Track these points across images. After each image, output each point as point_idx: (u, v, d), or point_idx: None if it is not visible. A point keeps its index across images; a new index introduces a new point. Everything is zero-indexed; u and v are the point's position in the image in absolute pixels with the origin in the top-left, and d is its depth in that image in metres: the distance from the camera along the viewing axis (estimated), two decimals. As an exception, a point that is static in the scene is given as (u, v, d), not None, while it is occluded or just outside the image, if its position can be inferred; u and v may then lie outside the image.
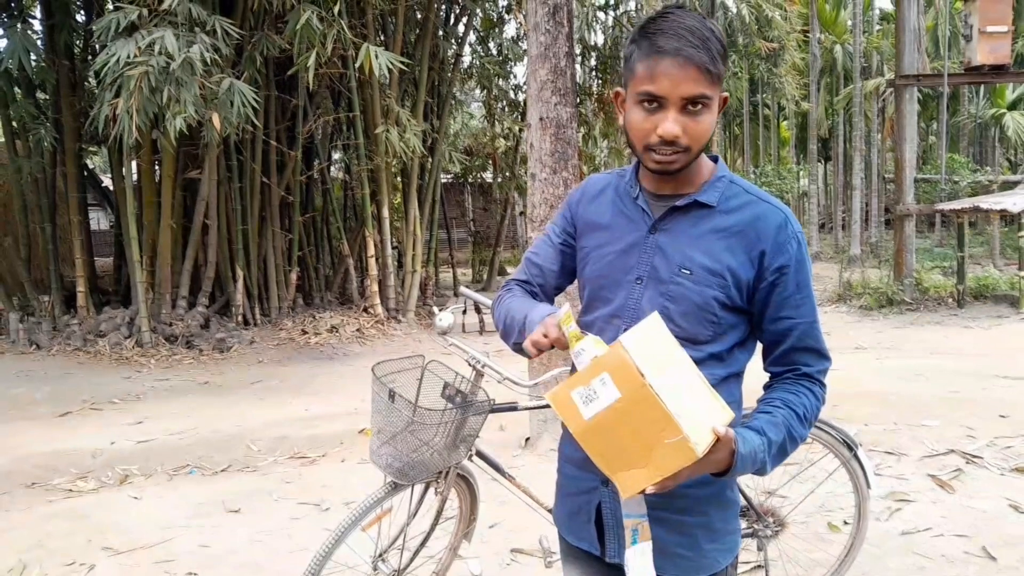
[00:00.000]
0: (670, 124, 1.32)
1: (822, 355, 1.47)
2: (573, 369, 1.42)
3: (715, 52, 1.30)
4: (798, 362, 1.45)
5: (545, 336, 1.36)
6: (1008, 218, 15.27)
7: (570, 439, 1.58)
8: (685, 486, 1.27)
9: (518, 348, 1.51)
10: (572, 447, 1.56)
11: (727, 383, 1.46)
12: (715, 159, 1.51)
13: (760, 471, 1.35)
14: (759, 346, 1.53)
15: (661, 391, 1.15)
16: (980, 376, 7.03)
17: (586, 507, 1.54)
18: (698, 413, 1.20)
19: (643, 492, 1.22)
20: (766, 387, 1.50)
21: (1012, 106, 24.93)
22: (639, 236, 1.48)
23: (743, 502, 2.76)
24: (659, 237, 1.46)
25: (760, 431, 1.34)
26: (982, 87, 24.94)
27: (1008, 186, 14.96)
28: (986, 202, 12.46)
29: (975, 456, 4.59)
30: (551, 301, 1.69)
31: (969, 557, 3.32)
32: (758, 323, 1.46)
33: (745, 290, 1.42)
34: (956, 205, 13.30)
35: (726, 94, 1.41)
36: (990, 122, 25.74)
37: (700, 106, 1.32)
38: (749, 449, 1.29)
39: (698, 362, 1.35)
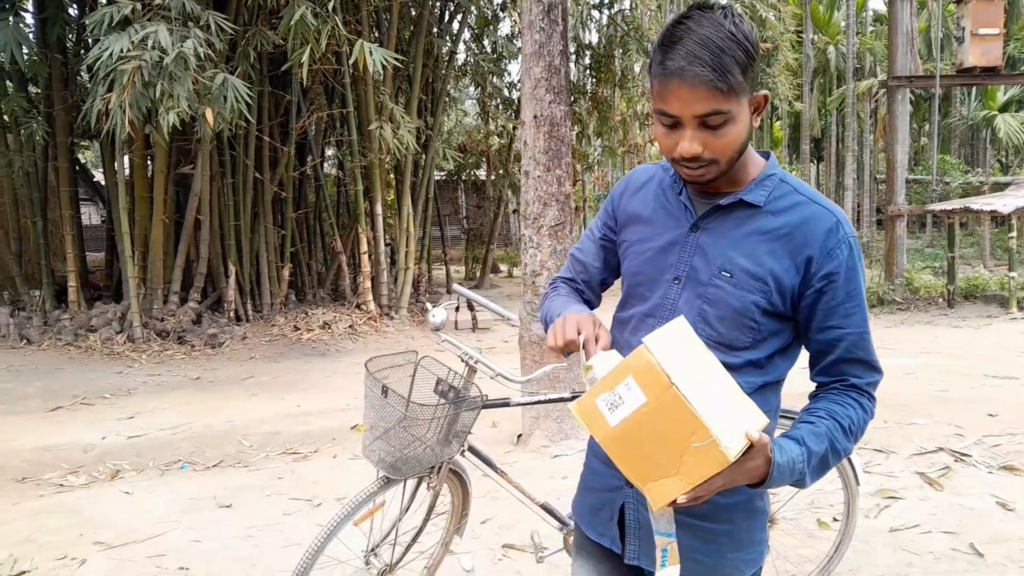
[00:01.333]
0: (687, 143, 1.28)
1: (873, 367, 1.39)
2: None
3: (729, 65, 1.22)
4: (847, 373, 1.38)
5: (557, 340, 1.37)
6: (998, 219, 15.36)
7: None
8: None
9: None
10: None
11: (764, 391, 1.40)
12: (767, 155, 1.44)
13: (799, 483, 1.29)
14: (803, 353, 1.47)
15: (688, 393, 1.11)
16: (969, 375, 7.08)
17: (610, 505, 1.50)
18: (729, 417, 1.15)
19: (675, 504, 1.17)
20: (812, 396, 1.43)
21: (1003, 108, 25.08)
22: (680, 234, 1.43)
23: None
24: (701, 236, 1.40)
25: (800, 440, 1.28)
26: (974, 89, 25.10)
27: (999, 187, 15.05)
28: (977, 203, 12.53)
29: (964, 454, 4.63)
30: (599, 297, 1.67)
31: (956, 554, 3.35)
32: (804, 331, 1.39)
33: (789, 297, 1.35)
34: (947, 206, 13.37)
35: (764, 92, 1.33)
36: (981, 124, 25.89)
37: (719, 121, 1.26)
38: (787, 459, 1.23)
39: (735, 368, 1.32)
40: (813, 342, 1.39)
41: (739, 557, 1.43)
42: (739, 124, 1.28)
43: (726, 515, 1.40)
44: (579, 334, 1.34)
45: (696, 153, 1.28)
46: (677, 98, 1.25)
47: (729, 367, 1.27)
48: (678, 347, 1.19)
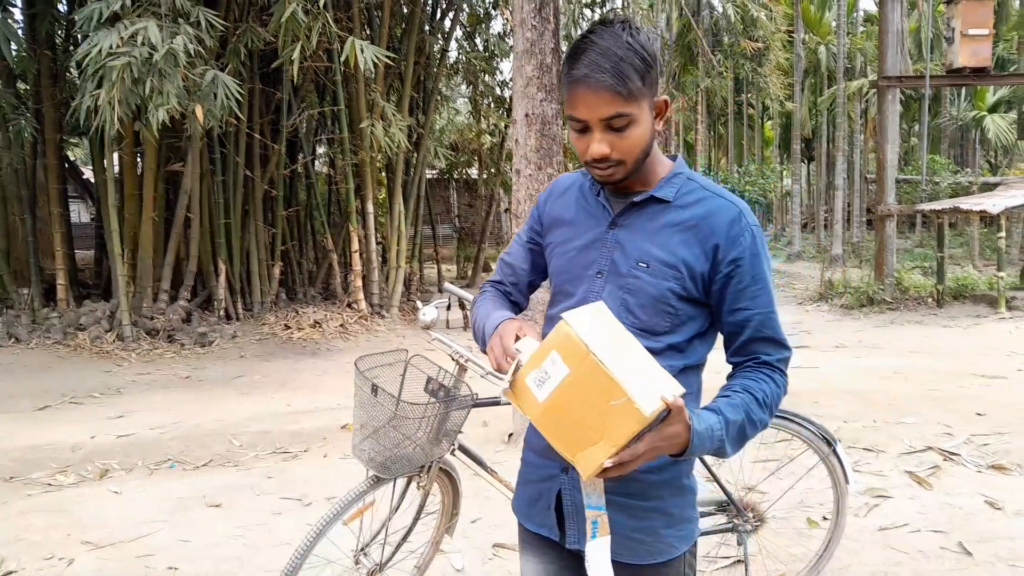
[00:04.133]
0: (595, 145, 1.41)
1: (781, 344, 1.50)
2: None
3: (627, 72, 1.35)
4: (758, 351, 1.48)
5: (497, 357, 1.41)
6: (987, 219, 15.45)
7: (533, 427, 1.62)
8: (640, 471, 1.30)
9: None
10: (536, 435, 1.61)
11: (685, 374, 1.49)
12: (674, 158, 1.57)
13: (720, 452, 1.37)
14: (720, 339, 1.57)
15: (605, 359, 1.19)
16: (958, 375, 7.11)
17: (546, 494, 1.57)
18: (646, 382, 1.22)
19: (604, 473, 1.23)
20: (729, 377, 1.53)
21: (992, 109, 25.22)
22: (600, 232, 1.54)
23: (723, 497, 2.78)
24: (618, 232, 1.51)
25: (717, 411, 1.37)
26: (963, 89, 25.21)
27: (988, 188, 15.12)
28: (966, 203, 12.59)
29: (952, 453, 4.65)
30: (526, 298, 1.77)
31: (945, 552, 3.36)
32: (717, 315, 1.50)
33: (700, 282, 1.46)
34: (937, 206, 13.43)
35: (664, 98, 1.46)
36: (971, 124, 26.03)
37: (622, 123, 1.38)
38: (705, 426, 1.31)
39: (657, 353, 1.40)
40: (725, 324, 1.50)
41: (673, 534, 1.52)
42: (641, 126, 1.42)
43: (655, 492, 1.49)
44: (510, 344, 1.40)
45: (604, 154, 1.41)
46: (584, 103, 1.38)
47: (652, 352, 1.34)
48: (596, 323, 1.28)
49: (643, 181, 1.51)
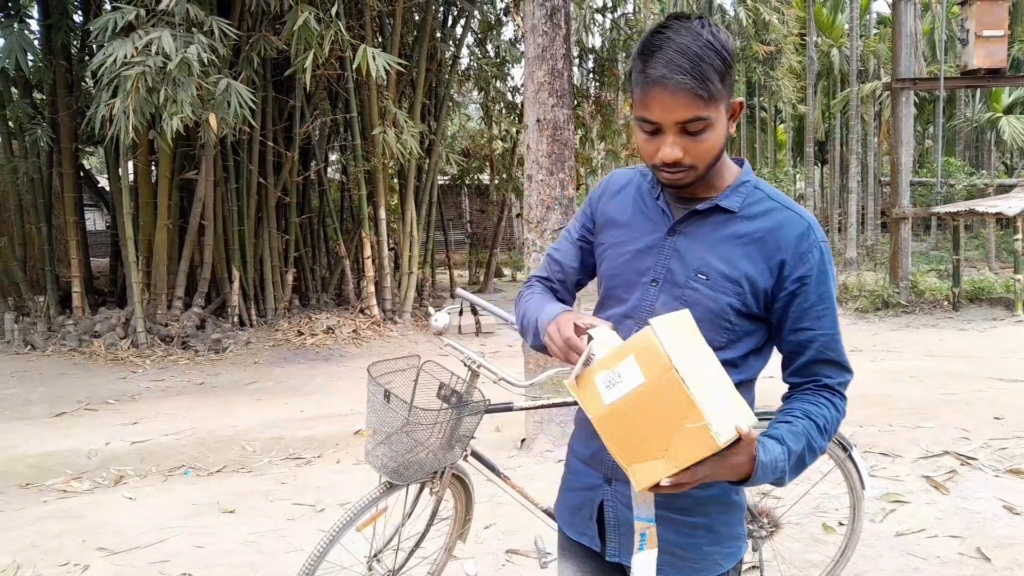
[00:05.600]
0: (668, 149, 1.31)
1: (844, 368, 1.43)
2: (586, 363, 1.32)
3: (708, 73, 1.26)
4: (819, 374, 1.41)
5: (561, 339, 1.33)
6: (1003, 221, 15.31)
7: (581, 435, 1.58)
8: None
9: (539, 348, 1.49)
10: (581, 443, 1.57)
11: (739, 389, 1.39)
12: (741, 163, 1.48)
13: (779, 482, 1.32)
14: (775, 352, 1.50)
15: (687, 377, 1.13)
16: (975, 378, 7.04)
17: (589, 504, 1.53)
18: (722, 408, 1.17)
19: (657, 488, 1.18)
20: (785, 397, 1.46)
21: (1008, 110, 25.02)
22: (657, 237, 1.45)
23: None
24: (677, 240, 1.43)
25: (781, 440, 1.30)
26: (978, 91, 25.04)
27: (1004, 189, 15.00)
28: (982, 205, 12.49)
29: (970, 458, 4.60)
30: (572, 296, 1.68)
31: (963, 558, 3.33)
32: (777, 333, 1.43)
33: (762, 299, 1.38)
34: (952, 208, 13.33)
35: (739, 100, 1.38)
36: (986, 126, 25.82)
37: (699, 127, 1.29)
38: (770, 458, 1.26)
39: None
40: (786, 343, 1.42)
41: (718, 551, 1.45)
42: (717, 130, 1.32)
43: (702, 508, 1.43)
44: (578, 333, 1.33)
45: (677, 158, 1.32)
46: (659, 105, 1.28)
47: None
48: (681, 334, 1.21)
49: (708, 186, 1.42)
